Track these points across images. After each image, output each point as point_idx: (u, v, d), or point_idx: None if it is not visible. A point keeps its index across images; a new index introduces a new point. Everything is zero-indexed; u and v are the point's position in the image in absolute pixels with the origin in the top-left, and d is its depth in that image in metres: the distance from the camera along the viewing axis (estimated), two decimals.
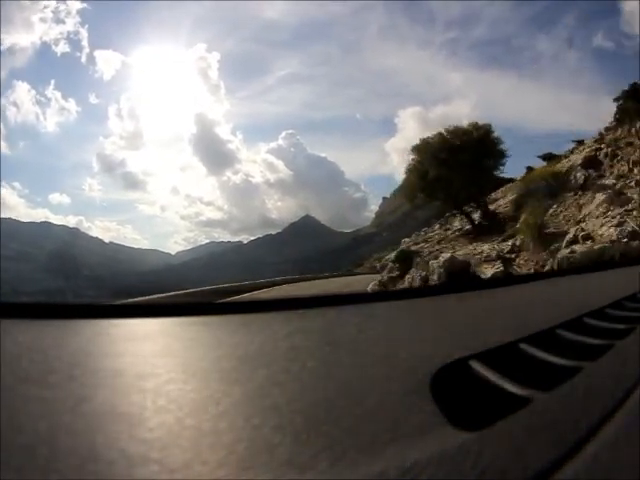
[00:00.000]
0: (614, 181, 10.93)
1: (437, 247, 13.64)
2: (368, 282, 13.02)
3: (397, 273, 11.13)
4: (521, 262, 9.01)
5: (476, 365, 0.46)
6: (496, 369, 0.45)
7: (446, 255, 9.13)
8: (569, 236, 8.72)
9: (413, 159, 15.84)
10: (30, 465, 0.27)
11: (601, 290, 1.29)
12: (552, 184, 12.39)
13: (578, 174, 12.07)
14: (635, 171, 11.03)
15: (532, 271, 8.23)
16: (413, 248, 14.64)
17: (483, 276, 7.51)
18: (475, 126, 15.53)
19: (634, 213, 8.75)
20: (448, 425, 0.33)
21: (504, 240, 10.74)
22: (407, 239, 18.88)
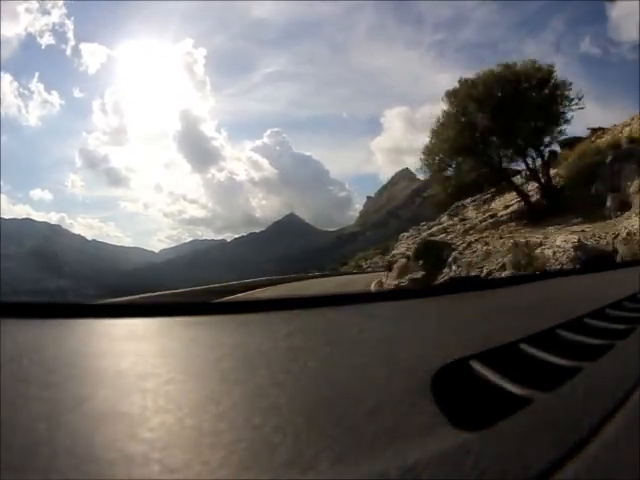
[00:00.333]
0: None
1: (471, 237, 10.46)
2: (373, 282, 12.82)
3: (422, 273, 8.63)
4: None
5: (476, 365, 0.46)
6: (496, 369, 0.45)
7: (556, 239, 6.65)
8: None
9: (446, 111, 11.77)
10: (30, 465, 0.27)
11: (601, 290, 1.29)
12: None
13: None
14: None
15: None
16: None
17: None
18: (534, 65, 10.92)
19: None
20: (449, 425, 0.33)
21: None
22: (406, 233, 17.99)
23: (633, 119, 12.62)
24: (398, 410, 0.36)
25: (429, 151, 12.90)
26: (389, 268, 13.58)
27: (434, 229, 15.81)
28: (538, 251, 6.98)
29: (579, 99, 11.13)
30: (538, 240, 7.59)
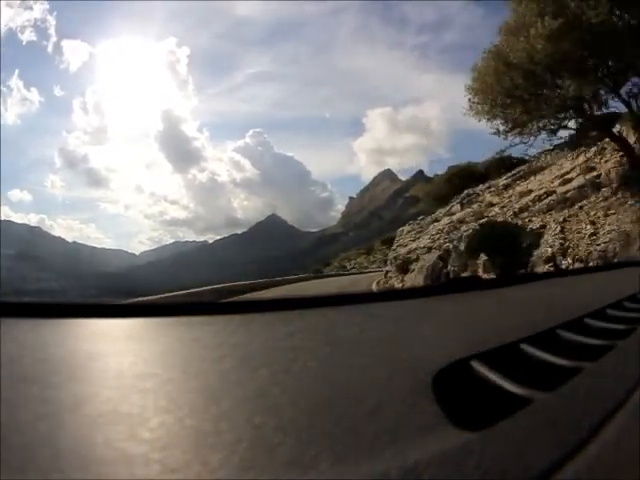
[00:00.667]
0: None
1: (556, 216, 8.01)
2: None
3: (498, 271, 5.30)
4: None
5: (477, 365, 0.46)
6: (497, 369, 0.45)
7: None
8: None
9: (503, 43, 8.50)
10: (30, 465, 0.27)
11: (601, 290, 1.29)
12: None
13: None
14: None
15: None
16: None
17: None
18: None
19: None
20: (450, 425, 0.33)
21: None
22: (406, 227, 17.41)
23: None
24: (399, 410, 0.36)
25: (481, 90, 9.66)
26: (403, 269, 12.38)
27: (444, 220, 14.85)
28: None
29: None
30: None
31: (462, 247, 9.48)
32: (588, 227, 7.27)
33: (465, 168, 23.94)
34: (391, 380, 0.43)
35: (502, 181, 16.33)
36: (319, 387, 0.41)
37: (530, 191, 12.55)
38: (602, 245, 6.23)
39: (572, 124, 9.87)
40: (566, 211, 8.77)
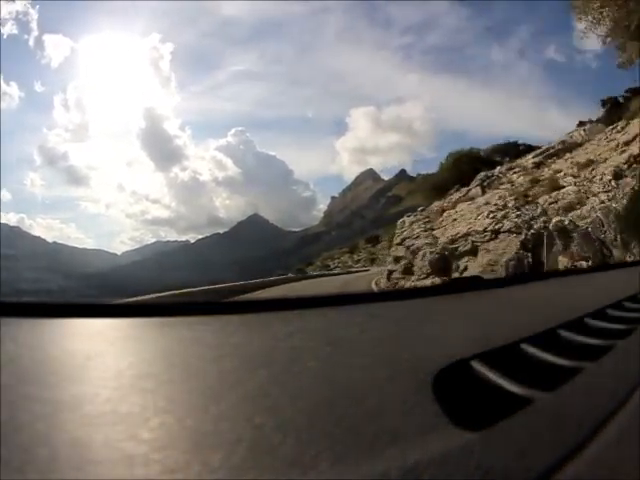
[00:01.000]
0: None
1: None
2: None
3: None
4: None
5: (478, 365, 0.46)
6: (497, 369, 0.45)
7: None
8: None
9: None
10: (30, 465, 0.27)
11: (601, 291, 1.29)
12: None
13: None
14: None
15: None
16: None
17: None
18: None
19: None
20: (450, 425, 0.33)
21: None
22: (407, 218, 15.84)
23: None
24: (399, 410, 0.36)
25: None
26: (444, 268, 8.94)
27: (461, 208, 13.02)
28: None
29: None
30: None
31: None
32: None
33: (469, 153, 22.99)
34: (391, 380, 0.43)
35: (529, 160, 15.18)
36: (319, 387, 0.41)
37: (591, 161, 11.58)
38: None
39: None
40: None
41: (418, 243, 12.22)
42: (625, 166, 9.98)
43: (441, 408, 0.36)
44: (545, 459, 0.30)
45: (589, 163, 11.64)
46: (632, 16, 10.00)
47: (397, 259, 12.65)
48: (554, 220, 8.48)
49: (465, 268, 9.80)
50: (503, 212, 10.50)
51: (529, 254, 7.98)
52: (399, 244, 13.51)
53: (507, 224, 9.65)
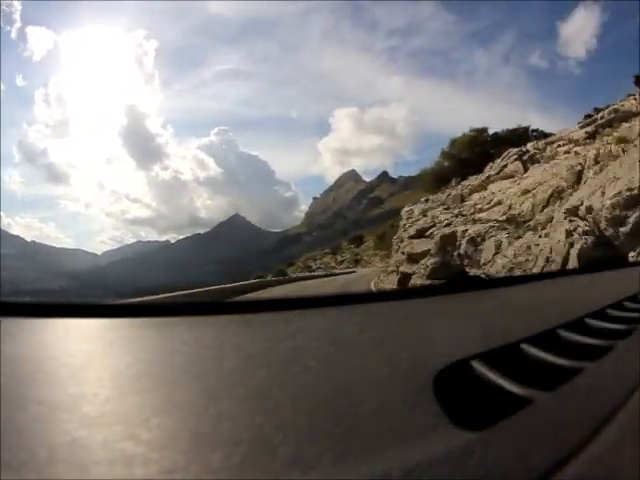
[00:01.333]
0: None
1: None
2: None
3: None
4: None
5: (478, 365, 0.46)
6: (498, 369, 0.45)
7: None
8: None
9: None
10: (30, 465, 0.27)
11: (602, 291, 1.29)
12: None
13: None
14: None
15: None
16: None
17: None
18: None
19: None
20: (451, 425, 0.33)
21: None
22: (414, 206, 14.84)
23: None
24: (400, 410, 0.36)
25: None
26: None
27: (499, 187, 11.42)
28: None
29: None
30: None
31: None
32: None
33: (482, 131, 21.52)
34: (392, 380, 0.43)
35: (578, 132, 13.21)
36: (319, 387, 0.41)
37: None
38: None
39: None
40: None
41: (476, 229, 9.57)
42: None
43: (441, 408, 0.36)
44: (545, 459, 0.30)
45: None
46: None
47: (413, 257, 10.21)
48: None
49: None
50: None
51: None
52: (414, 237, 11.58)
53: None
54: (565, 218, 7.94)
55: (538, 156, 13.16)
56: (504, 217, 10.38)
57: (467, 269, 9.09)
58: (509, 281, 1.39)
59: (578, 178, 9.66)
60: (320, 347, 0.55)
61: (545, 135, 15.25)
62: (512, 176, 12.64)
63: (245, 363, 0.47)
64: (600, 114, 14.21)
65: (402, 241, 12.97)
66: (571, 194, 9.15)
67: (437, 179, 19.10)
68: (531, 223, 9.42)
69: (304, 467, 0.27)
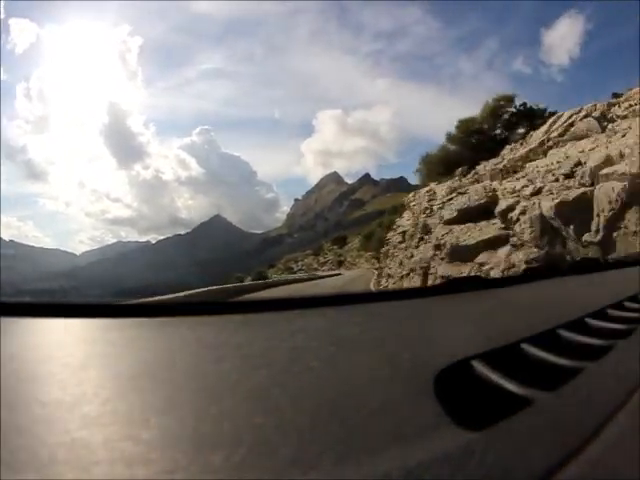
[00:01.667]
0: None
1: None
2: None
3: None
4: None
5: (478, 365, 0.46)
6: (498, 369, 0.45)
7: None
8: None
9: None
10: (30, 465, 0.27)
11: (602, 290, 1.28)
12: None
13: None
14: None
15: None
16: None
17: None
18: None
19: None
20: (451, 425, 0.33)
21: None
22: (435, 185, 12.84)
23: None
24: (401, 410, 0.36)
25: None
26: None
27: (570, 152, 8.08)
28: None
29: None
30: None
31: None
32: None
33: (509, 99, 18.63)
34: (392, 380, 0.43)
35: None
36: (320, 387, 0.41)
37: None
38: None
39: None
40: None
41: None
42: None
43: (442, 408, 0.36)
44: (546, 459, 0.30)
45: None
46: None
47: (460, 252, 7.61)
48: None
49: None
50: None
51: None
52: (454, 221, 8.63)
53: None
54: None
55: (611, 115, 10.35)
56: None
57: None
58: (509, 281, 1.39)
59: None
60: (320, 347, 0.55)
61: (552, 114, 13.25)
62: (586, 136, 9.59)
63: (245, 363, 0.47)
64: None
65: (427, 231, 9.89)
66: None
67: (444, 165, 16.38)
68: None
69: (304, 467, 0.27)
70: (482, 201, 8.65)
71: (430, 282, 8.25)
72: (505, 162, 11.78)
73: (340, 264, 45.14)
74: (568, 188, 6.90)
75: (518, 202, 7.74)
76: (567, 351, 0.53)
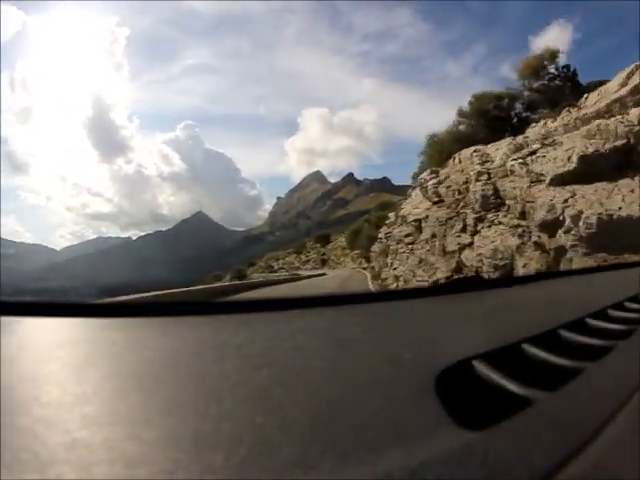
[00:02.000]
0: None
1: None
2: None
3: None
4: None
5: (479, 365, 0.46)
6: (499, 369, 0.45)
7: None
8: None
9: None
10: (30, 465, 0.27)
11: (603, 291, 1.28)
12: None
13: None
14: None
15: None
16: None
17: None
18: None
19: None
20: (452, 425, 0.33)
21: None
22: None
23: None
24: (402, 410, 0.36)
25: None
26: None
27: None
28: None
29: None
30: None
31: None
32: None
33: (553, 55, 15.65)
34: (394, 380, 0.43)
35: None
36: (321, 387, 0.41)
37: None
38: None
39: None
40: None
41: None
42: None
43: (443, 408, 0.36)
44: (547, 459, 0.30)
45: None
46: None
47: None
48: None
49: None
50: None
51: None
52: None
53: None
54: None
55: None
56: None
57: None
58: (510, 281, 1.39)
59: None
60: (321, 347, 0.55)
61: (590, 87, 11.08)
62: None
63: (245, 363, 0.47)
64: None
65: (498, 204, 6.76)
66: None
67: (459, 144, 13.09)
68: None
69: (305, 467, 0.27)
70: (622, 143, 5.05)
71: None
72: (583, 113, 8.50)
73: (324, 263, 43.34)
74: None
75: None
76: (568, 351, 0.53)
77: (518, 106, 15.91)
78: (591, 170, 5.33)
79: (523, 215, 5.77)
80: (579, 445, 0.32)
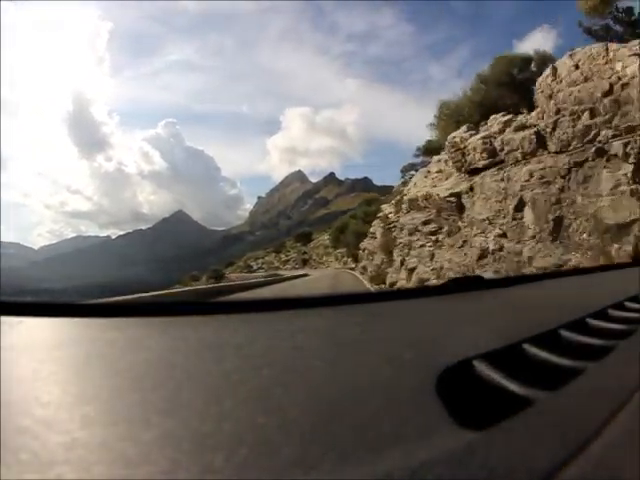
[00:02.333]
0: None
1: None
2: None
3: None
4: None
5: (480, 365, 0.46)
6: (500, 369, 0.45)
7: None
8: None
9: None
10: (30, 465, 0.27)
11: (603, 291, 1.28)
12: None
13: None
14: None
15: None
16: None
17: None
18: None
19: None
20: (453, 425, 0.33)
21: None
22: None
23: None
24: (402, 410, 0.36)
25: None
26: None
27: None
28: None
29: None
30: None
31: None
32: None
33: None
34: (394, 380, 0.43)
35: None
36: (321, 387, 0.41)
37: None
38: None
39: None
40: None
41: None
42: None
43: (444, 408, 0.36)
44: (547, 459, 0.30)
45: None
46: None
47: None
48: None
49: None
50: None
51: None
52: None
53: None
54: None
55: None
56: None
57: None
58: (510, 281, 1.39)
59: None
60: (321, 347, 0.55)
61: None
62: None
63: (245, 363, 0.47)
64: None
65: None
66: None
67: (482, 109, 10.59)
68: None
69: (305, 467, 0.27)
70: None
71: None
72: None
73: (305, 263, 41.77)
74: None
75: None
76: (568, 351, 0.53)
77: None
78: None
79: None
80: (580, 445, 0.32)
